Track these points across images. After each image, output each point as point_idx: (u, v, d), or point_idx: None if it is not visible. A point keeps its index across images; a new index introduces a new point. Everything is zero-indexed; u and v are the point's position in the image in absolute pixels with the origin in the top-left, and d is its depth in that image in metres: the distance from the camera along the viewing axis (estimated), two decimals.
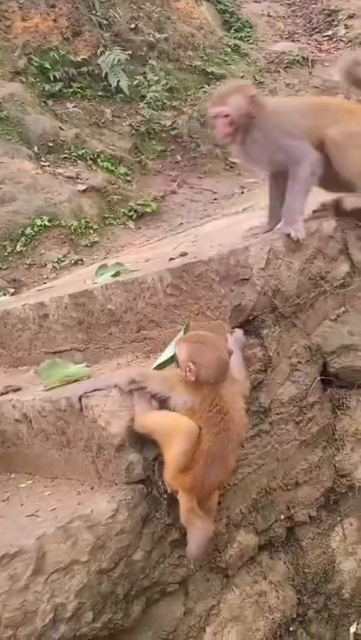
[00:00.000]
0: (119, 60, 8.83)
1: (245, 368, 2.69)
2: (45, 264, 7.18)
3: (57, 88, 8.63)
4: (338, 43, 11.31)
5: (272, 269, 2.84)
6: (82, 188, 7.78)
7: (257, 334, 2.86)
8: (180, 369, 2.39)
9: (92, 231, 7.56)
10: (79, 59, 8.91)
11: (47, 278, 6.96)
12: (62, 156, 8.07)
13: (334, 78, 10.68)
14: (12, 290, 6.68)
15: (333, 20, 11.83)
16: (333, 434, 3.10)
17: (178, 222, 7.79)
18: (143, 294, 3.06)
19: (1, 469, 3.02)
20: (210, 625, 2.65)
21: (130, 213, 7.92)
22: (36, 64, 8.72)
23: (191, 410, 2.32)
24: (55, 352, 3.57)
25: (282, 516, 2.93)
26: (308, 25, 11.95)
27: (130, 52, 9.08)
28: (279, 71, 10.61)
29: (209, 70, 9.85)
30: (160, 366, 2.65)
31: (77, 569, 2.27)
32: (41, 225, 7.34)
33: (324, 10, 12.08)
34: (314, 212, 3.19)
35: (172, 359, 2.54)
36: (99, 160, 8.20)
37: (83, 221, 7.53)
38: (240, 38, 11.08)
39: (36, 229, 7.34)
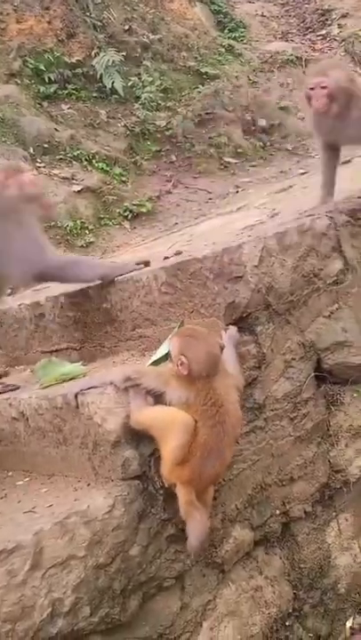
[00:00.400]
0: (113, 62, 8.85)
1: (240, 365, 2.72)
2: None
3: (52, 90, 8.65)
4: (331, 42, 11.35)
5: (265, 267, 2.87)
6: (77, 188, 7.80)
7: (251, 331, 2.88)
8: (173, 363, 2.42)
9: (87, 231, 7.58)
10: (74, 60, 8.93)
11: None
12: (58, 157, 8.09)
13: None
14: (8, 290, 6.69)
15: (327, 20, 11.87)
16: (328, 429, 3.12)
17: (173, 222, 7.82)
18: (138, 293, 3.09)
19: None
20: (206, 620, 2.68)
21: (125, 213, 7.95)
22: (30, 66, 8.74)
23: (186, 404, 2.35)
24: (51, 351, 3.60)
25: (277, 512, 2.96)
26: (301, 24, 11.99)
27: (124, 54, 9.10)
28: (273, 71, 10.65)
29: (203, 71, 9.88)
30: (155, 363, 2.67)
31: (74, 564, 2.29)
32: None
33: (318, 9, 12.12)
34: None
35: (167, 356, 2.57)
36: (94, 161, 8.22)
37: (78, 222, 7.55)
38: (234, 38, 11.10)
39: None
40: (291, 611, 2.96)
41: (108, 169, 8.29)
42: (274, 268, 2.89)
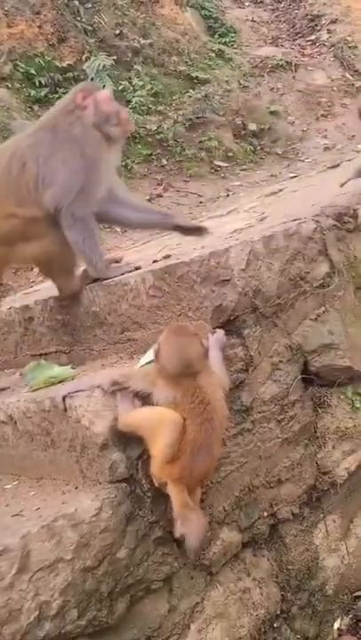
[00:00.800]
0: (104, 66, 8.86)
1: (226, 367, 2.74)
2: (32, 268, 7.19)
3: (43, 93, 8.65)
4: (321, 47, 11.42)
5: (252, 270, 2.89)
6: None
7: (238, 334, 2.90)
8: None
9: None
10: (64, 64, 8.93)
11: (34, 282, 6.97)
12: None
13: (318, 82, 10.80)
14: None
15: (316, 25, 11.93)
16: (315, 431, 3.14)
17: None
18: (126, 296, 3.10)
19: None
20: (194, 622, 2.69)
21: None
22: (21, 70, 8.74)
23: (174, 403, 2.38)
24: (41, 354, 3.61)
25: (265, 514, 2.97)
26: (291, 30, 12.06)
27: (115, 58, 9.12)
28: (263, 75, 10.70)
29: (194, 75, 9.91)
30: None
31: (62, 567, 2.29)
32: None
33: (308, 15, 12.19)
34: None
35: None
36: None
37: None
38: (224, 43, 11.14)
39: None
40: (279, 612, 2.98)
41: None
42: (261, 272, 2.91)
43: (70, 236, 3.16)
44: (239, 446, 2.87)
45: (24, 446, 2.87)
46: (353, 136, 9.69)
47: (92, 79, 8.85)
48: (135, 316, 3.08)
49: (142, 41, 9.64)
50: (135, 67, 9.46)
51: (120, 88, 9.10)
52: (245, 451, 2.89)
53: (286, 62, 10.92)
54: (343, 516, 3.26)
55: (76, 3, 9.33)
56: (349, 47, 11.28)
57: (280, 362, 3.00)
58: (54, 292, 3.52)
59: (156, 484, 2.48)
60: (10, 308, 3.87)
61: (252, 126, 9.74)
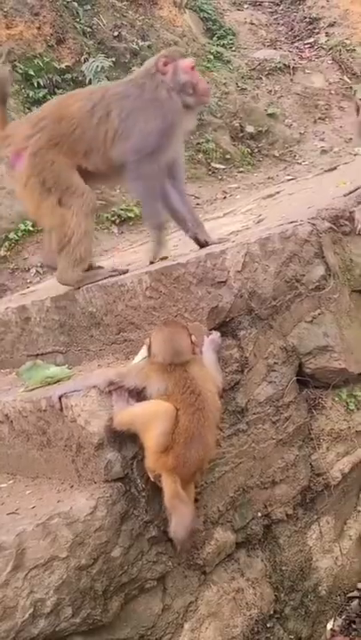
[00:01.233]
0: (103, 67, 8.87)
1: (222, 369, 2.76)
2: (29, 268, 7.20)
3: (41, 94, 8.64)
4: (319, 50, 11.44)
5: (248, 272, 2.91)
6: None
7: (234, 335, 2.92)
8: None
9: None
10: (63, 66, 8.93)
11: (31, 282, 6.98)
12: None
13: (315, 85, 10.83)
14: None
15: (315, 28, 11.96)
16: (309, 433, 3.16)
17: None
18: (123, 297, 3.12)
19: None
20: (188, 621, 2.70)
21: (113, 218, 7.96)
22: (20, 71, 8.74)
23: (166, 394, 2.43)
24: (37, 354, 3.62)
25: (259, 514, 2.99)
26: (289, 33, 12.08)
27: (113, 59, 9.12)
28: (261, 78, 10.72)
29: None
30: None
31: (57, 565, 2.31)
32: (24, 230, 7.36)
33: (306, 18, 12.22)
34: None
35: None
36: None
37: None
38: (223, 45, 11.16)
39: (19, 234, 7.35)
40: (272, 612, 3.00)
41: None
42: (257, 274, 2.93)
43: (132, 187, 3.35)
44: (234, 447, 2.89)
45: (20, 445, 2.89)
46: (350, 139, 9.72)
47: (90, 81, 8.87)
48: (132, 316, 3.10)
49: (141, 43, 9.65)
50: (134, 68, 9.46)
51: None
52: (240, 451, 2.91)
53: (284, 65, 10.94)
54: (337, 518, 3.28)
55: (75, 4, 9.34)
56: (347, 50, 11.31)
57: (275, 363, 3.02)
58: (51, 292, 3.53)
59: (151, 478, 2.50)
60: (7, 308, 3.88)
61: (250, 128, 9.76)
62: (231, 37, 11.45)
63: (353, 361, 3.20)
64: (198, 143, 9.21)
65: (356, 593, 3.28)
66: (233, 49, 11.23)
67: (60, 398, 2.61)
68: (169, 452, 2.37)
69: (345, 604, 3.25)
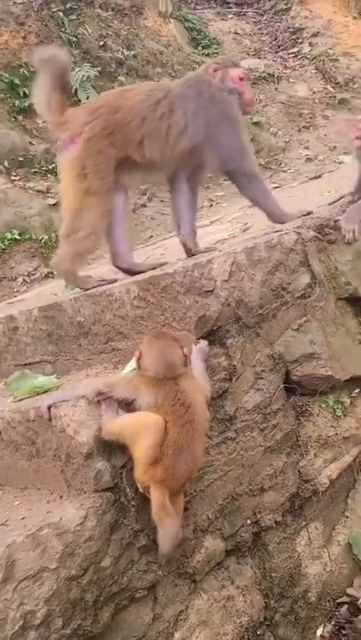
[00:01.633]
0: (89, 77, 8.92)
1: (210, 377, 2.78)
2: (16, 277, 7.21)
3: (27, 103, 8.67)
4: (303, 60, 11.57)
5: (235, 281, 2.93)
6: (52, 201, 7.83)
7: (222, 344, 2.94)
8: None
9: None
10: None
11: (18, 292, 6.98)
12: (32, 170, 8.12)
13: (300, 94, 10.93)
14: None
15: (298, 38, 12.10)
16: (297, 440, 3.18)
17: (148, 235, 7.88)
18: (111, 306, 3.13)
19: None
20: (178, 630, 2.70)
21: None
22: (6, 80, 8.77)
23: (155, 406, 2.44)
24: (25, 364, 3.62)
25: (248, 522, 3.00)
26: (273, 42, 12.21)
27: (99, 69, 9.18)
28: None
29: None
30: None
31: (47, 576, 2.31)
32: (11, 239, 7.37)
33: (290, 28, 12.36)
34: None
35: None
36: None
37: (53, 235, 7.58)
38: (208, 55, 11.25)
39: (6, 243, 7.37)
40: (262, 620, 3.00)
41: None
42: (243, 283, 2.96)
43: (248, 194, 3.48)
44: (223, 455, 2.90)
45: (9, 456, 2.88)
46: (335, 147, 9.82)
47: (76, 90, 8.90)
48: (120, 326, 3.11)
49: (126, 52, 9.72)
50: (119, 78, 9.53)
51: None
52: (229, 459, 2.92)
53: (269, 74, 11.05)
54: (325, 524, 3.30)
55: (61, 14, 9.39)
56: (331, 60, 11.44)
57: (263, 371, 3.04)
58: (39, 301, 3.53)
59: (140, 489, 2.50)
60: None
61: None
62: (216, 47, 11.56)
63: (339, 368, 3.22)
64: None
65: (345, 599, 3.29)
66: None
67: (48, 408, 2.61)
68: (158, 464, 2.37)
69: (334, 610, 3.26)
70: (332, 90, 11.09)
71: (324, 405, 3.27)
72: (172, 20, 11.12)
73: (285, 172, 9.31)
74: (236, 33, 12.33)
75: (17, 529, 2.40)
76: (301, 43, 11.94)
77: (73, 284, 3.50)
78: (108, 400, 2.50)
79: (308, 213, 3.55)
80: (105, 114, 3.34)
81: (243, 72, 3.59)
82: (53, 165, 8.18)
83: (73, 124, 3.36)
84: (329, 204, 3.67)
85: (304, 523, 3.22)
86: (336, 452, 3.29)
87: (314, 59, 11.47)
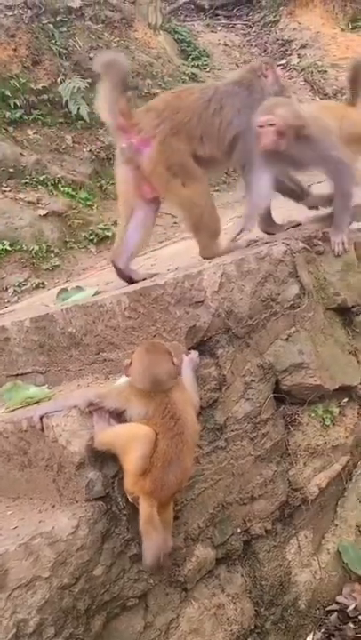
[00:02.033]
0: (79, 88, 8.96)
1: (200, 387, 2.81)
2: (7, 288, 7.22)
3: (17, 115, 8.71)
4: (291, 71, 11.69)
5: (225, 292, 2.97)
6: (43, 212, 7.86)
7: (212, 354, 2.98)
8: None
9: (53, 255, 7.63)
10: (39, 87, 9.01)
11: (9, 302, 6.99)
12: (23, 181, 8.14)
13: None
14: None
15: (287, 50, 12.22)
16: (287, 449, 3.22)
17: None
18: (102, 317, 3.16)
19: None
20: (170, 638, 2.72)
21: (91, 237, 8.02)
22: None
23: (146, 418, 2.46)
24: (17, 375, 3.64)
25: (238, 530, 3.03)
26: (262, 54, 12.32)
27: (89, 80, 9.20)
28: None
29: None
30: None
31: (39, 585, 2.32)
32: (2, 249, 7.39)
33: (278, 40, 12.49)
34: None
35: None
36: (59, 185, 8.29)
37: (44, 245, 7.60)
38: (197, 67, 11.35)
39: None
40: (252, 627, 3.02)
41: (73, 193, 8.37)
42: (233, 293, 3.00)
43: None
44: (213, 464, 2.93)
45: (1, 466, 2.90)
46: None
47: (66, 101, 8.95)
48: (111, 336, 3.14)
49: None
50: None
51: (95, 110, 9.20)
52: (219, 468, 2.95)
53: None
54: (315, 532, 3.33)
55: (51, 26, 9.44)
56: (319, 71, 11.56)
57: (252, 381, 3.08)
58: (30, 312, 3.56)
59: (130, 499, 2.53)
60: None
61: None
62: (205, 59, 11.65)
63: (328, 377, 3.27)
64: None
65: (334, 606, 3.32)
66: (207, 70, 11.42)
67: (40, 418, 2.64)
68: (147, 475, 2.39)
69: (324, 618, 3.29)
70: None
71: (313, 415, 3.31)
72: (161, 32, 11.20)
73: None
74: (226, 45, 12.44)
75: (9, 538, 2.41)
76: (290, 54, 12.07)
77: (223, 254, 3.56)
78: (99, 410, 2.53)
79: (298, 224, 3.61)
80: (170, 115, 3.53)
81: (280, 68, 3.88)
82: (44, 176, 8.22)
83: (146, 127, 3.52)
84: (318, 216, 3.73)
85: (294, 531, 3.25)
86: (325, 460, 3.33)
87: (302, 70, 11.59)
